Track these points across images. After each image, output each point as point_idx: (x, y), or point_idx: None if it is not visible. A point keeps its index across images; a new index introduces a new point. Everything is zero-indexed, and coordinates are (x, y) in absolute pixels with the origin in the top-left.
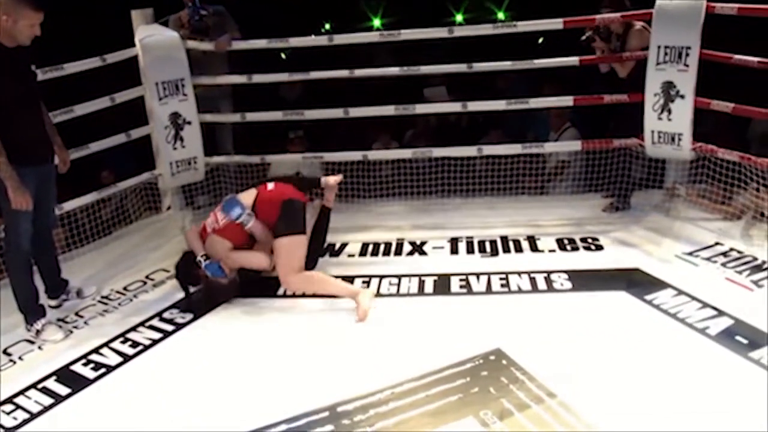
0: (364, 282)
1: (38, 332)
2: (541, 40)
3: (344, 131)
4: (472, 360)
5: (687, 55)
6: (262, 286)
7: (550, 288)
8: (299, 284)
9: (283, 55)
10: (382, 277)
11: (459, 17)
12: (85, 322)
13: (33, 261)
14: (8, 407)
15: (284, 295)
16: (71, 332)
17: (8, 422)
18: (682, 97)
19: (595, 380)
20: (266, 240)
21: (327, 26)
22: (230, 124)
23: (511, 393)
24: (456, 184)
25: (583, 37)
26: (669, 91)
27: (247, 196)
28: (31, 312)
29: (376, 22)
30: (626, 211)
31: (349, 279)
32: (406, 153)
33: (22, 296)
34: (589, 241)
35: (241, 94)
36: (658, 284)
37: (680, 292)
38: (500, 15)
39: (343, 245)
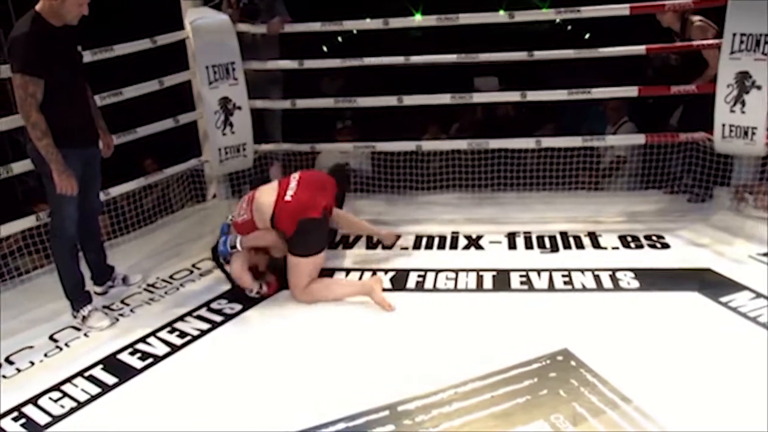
0: (419, 276)
1: (84, 318)
2: (587, 36)
3: (391, 123)
4: (539, 360)
5: (766, 43)
6: None
7: (616, 287)
8: (309, 300)
9: (324, 48)
10: (438, 271)
11: (501, 13)
12: (132, 310)
13: (79, 247)
14: (56, 395)
15: None
16: (117, 320)
17: (56, 410)
18: (759, 88)
19: (672, 385)
20: (275, 244)
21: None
22: (280, 112)
23: (582, 396)
24: (508, 178)
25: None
26: (744, 82)
27: (267, 196)
28: (78, 298)
29: (418, 18)
30: (696, 204)
31: (404, 272)
32: (461, 144)
33: (69, 282)
34: (654, 238)
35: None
36: (733, 286)
37: (758, 295)
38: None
39: (396, 237)
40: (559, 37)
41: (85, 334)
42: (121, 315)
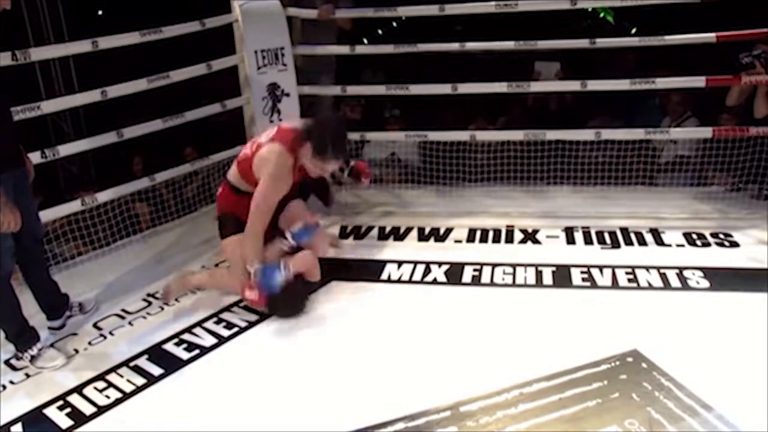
0: (475, 270)
1: (33, 358)
2: (634, 30)
3: (436, 115)
4: (607, 361)
5: None
6: (365, 269)
7: (685, 286)
8: None
9: (365, 40)
10: (495, 265)
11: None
12: (176, 299)
13: (25, 281)
14: (100, 384)
15: (389, 280)
16: (162, 309)
17: (101, 400)
18: None
19: (753, 393)
20: None
21: None
22: (332, 99)
23: (657, 401)
24: (559, 171)
25: (746, 60)
26: None
27: None
28: (22, 338)
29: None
30: (762, 202)
31: (459, 266)
32: (517, 134)
33: (10, 322)
34: (722, 236)
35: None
36: None
37: None
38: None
39: (449, 230)
40: (602, 32)
41: (130, 323)
42: (166, 304)
